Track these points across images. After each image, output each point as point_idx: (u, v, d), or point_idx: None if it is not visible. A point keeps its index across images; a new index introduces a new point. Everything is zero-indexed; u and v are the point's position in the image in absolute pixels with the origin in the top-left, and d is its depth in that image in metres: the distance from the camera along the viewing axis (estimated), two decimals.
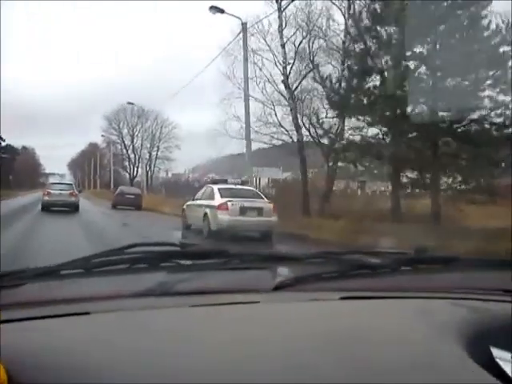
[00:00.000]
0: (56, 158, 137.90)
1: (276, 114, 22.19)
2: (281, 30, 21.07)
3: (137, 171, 68.97)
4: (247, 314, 1.00)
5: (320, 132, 20.13)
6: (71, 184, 27.33)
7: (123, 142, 69.44)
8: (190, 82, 38.24)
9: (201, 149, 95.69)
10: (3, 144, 74.19)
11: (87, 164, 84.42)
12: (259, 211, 14.30)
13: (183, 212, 17.71)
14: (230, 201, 14.20)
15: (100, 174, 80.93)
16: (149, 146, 65.53)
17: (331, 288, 1.18)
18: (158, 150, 65.56)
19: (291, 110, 21.39)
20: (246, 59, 20.34)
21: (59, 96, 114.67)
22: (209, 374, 0.70)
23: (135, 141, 68.65)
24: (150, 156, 66.65)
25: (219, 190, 15.28)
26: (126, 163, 70.99)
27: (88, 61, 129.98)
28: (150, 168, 67.26)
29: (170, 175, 70.84)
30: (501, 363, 0.78)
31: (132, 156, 69.35)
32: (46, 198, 22.85)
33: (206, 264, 1.22)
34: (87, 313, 0.93)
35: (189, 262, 1.24)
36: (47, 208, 22.11)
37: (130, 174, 69.95)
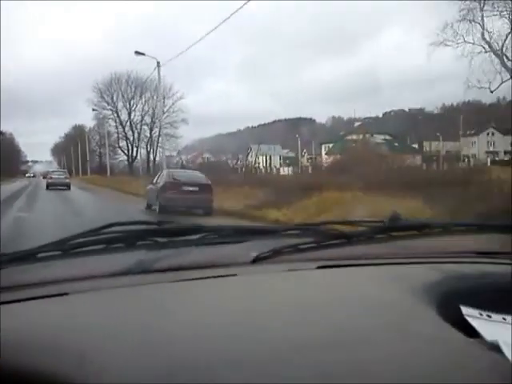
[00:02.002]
0: (36, 145, 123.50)
1: None
2: None
3: (137, 152, 54.21)
4: (226, 287, 0.99)
5: None
6: (65, 171, 41.49)
7: (118, 117, 54.36)
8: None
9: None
10: None
11: (73, 148, 69.14)
12: None
13: None
14: None
15: (90, 158, 65.40)
16: (150, 121, 50.80)
17: (308, 258, 1.16)
18: (160, 126, 50.47)
19: None
20: None
21: (36, 76, 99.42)
22: (192, 347, 0.68)
23: (133, 116, 53.75)
24: (151, 133, 52.11)
25: None
26: (124, 143, 55.63)
27: (66, 31, 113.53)
28: (151, 148, 52.52)
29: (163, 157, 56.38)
30: (469, 320, 0.78)
31: (130, 134, 54.20)
32: (50, 180, 33.50)
33: (183, 241, 1.17)
34: (65, 293, 0.90)
35: (166, 240, 1.15)
36: (49, 187, 31.34)
37: (128, 155, 54.91)
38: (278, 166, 63.76)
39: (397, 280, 0.96)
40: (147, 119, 52.99)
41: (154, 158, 53.61)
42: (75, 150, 69.43)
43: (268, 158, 67.83)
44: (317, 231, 1.30)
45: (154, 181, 15.93)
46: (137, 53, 27.61)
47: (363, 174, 16.57)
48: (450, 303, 0.82)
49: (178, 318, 0.79)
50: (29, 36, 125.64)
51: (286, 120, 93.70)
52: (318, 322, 0.77)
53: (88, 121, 78.82)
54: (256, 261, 1.13)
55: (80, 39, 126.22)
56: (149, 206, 15.66)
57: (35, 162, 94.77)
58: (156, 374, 0.60)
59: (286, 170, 56.63)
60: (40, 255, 1.05)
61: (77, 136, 69.30)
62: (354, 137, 53.40)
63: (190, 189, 14.33)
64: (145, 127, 53.02)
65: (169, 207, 13.47)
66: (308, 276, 1.06)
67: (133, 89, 53.39)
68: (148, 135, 52.75)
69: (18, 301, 0.86)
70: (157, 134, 51.97)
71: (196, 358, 0.64)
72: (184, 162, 68.80)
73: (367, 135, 51.11)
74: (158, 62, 27.44)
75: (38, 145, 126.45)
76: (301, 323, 0.76)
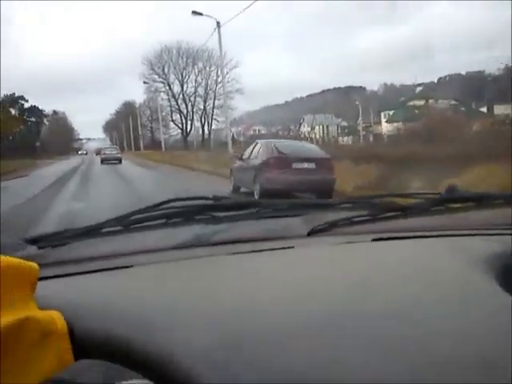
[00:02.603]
0: (89, 122, 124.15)
1: None
2: None
3: (191, 125, 51.32)
4: (283, 259, 0.99)
5: None
6: (116, 147, 45.10)
7: (171, 89, 51.50)
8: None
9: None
10: (27, 105, 56.90)
11: (125, 124, 67.50)
12: None
13: None
14: None
15: (142, 134, 63.31)
16: (203, 92, 47.71)
17: (363, 231, 1.15)
18: (214, 98, 47.34)
19: None
20: None
21: (85, 56, 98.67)
22: (251, 317, 0.67)
23: (185, 87, 50.76)
24: (204, 105, 49.07)
25: None
26: (177, 116, 52.83)
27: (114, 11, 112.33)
28: (206, 121, 49.59)
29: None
30: None
31: (183, 107, 51.26)
32: (103, 156, 37.00)
33: (239, 215, 1.17)
34: (131, 266, 0.93)
35: (223, 214, 1.16)
36: (103, 161, 34.81)
37: (182, 129, 52.11)
38: (335, 135, 60.04)
39: (456, 252, 0.92)
40: (200, 91, 49.88)
41: (209, 131, 50.78)
42: (127, 126, 67.80)
43: (325, 127, 63.96)
44: (372, 204, 1.26)
45: (245, 156, 11.39)
46: (194, 13, 24.38)
47: (460, 141, 13.42)
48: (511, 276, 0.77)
49: (238, 289, 0.79)
50: (77, 18, 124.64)
51: (335, 89, 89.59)
52: (376, 294, 0.74)
53: (139, 96, 76.85)
54: (311, 233, 1.13)
55: (128, 16, 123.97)
56: (236, 189, 11.47)
57: (89, 139, 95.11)
58: (217, 343, 0.61)
59: (344, 140, 53.05)
60: (103, 230, 1.08)
61: (128, 112, 67.58)
62: (417, 102, 49.23)
63: (305, 166, 9.60)
64: (198, 99, 49.94)
65: (274, 191, 8.86)
66: (363, 248, 1.04)
67: (184, 59, 50.46)
68: (202, 107, 49.66)
69: (87, 272, 0.89)
70: (211, 105, 48.81)
71: (257, 328, 0.64)
72: (235, 135, 66.36)
73: (431, 100, 46.58)
74: (218, 22, 24.15)
75: (90, 123, 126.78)
76: (358, 295, 0.74)
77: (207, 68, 47.67)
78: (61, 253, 1.02)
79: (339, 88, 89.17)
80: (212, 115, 49.97)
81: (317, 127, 64.51)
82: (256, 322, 0.65)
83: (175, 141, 56.90)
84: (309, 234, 1.13)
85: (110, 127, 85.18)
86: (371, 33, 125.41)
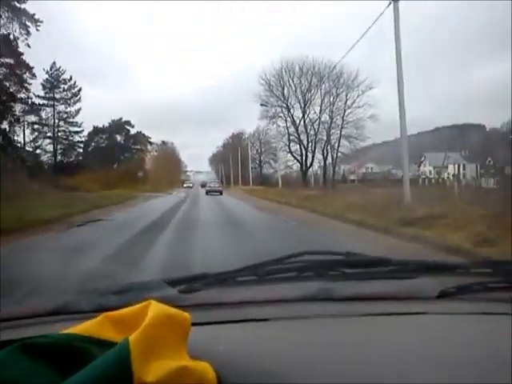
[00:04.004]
0: (197, 156, 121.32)
1: None
2: None
3: (312, 159, 42.31)
4: (414, 325, 0.94)
5: None
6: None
7: (290, 114, 43.01)
8: None
9: None
10: (133, 131, 51.71)
11: (232, 157, 60.63)
12: None
13: None
14: None
15: (253, 167, 55.70)
16: (328, 118, 38.87)
17: (498, 299, 1.05)
18: (342, 125, 38.19)
19: None
20: None
21: (198, 93, 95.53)
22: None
23: (308, 113, 42.10)
24: (328, 134, 40.09)
25: None
26: (296, 146, 43.96)
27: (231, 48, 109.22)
28: (329, 153, 40.53)
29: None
30: None
31: (303, 136, 42.26)
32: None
33: (370, 272, 1.17)
34: (267, 319, 0.94)
35: (353, 271, 1.17)
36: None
37: (301, 162, 43.14)
38: (475, 176, 48.55)
39: None
40: (323, 117, 41.09)
41: (334, 166, 41.67)
42: (234, 159, 61.04)
43: (461, 167, 52.55)
44: (509, 271, 1.16)
45: None
46: None
47: None
48: None
49: (365, 352, 0.76)
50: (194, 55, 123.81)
51: (450, 127, 77.71)
52: None
53: (249, 126, 70.16)
54: (441, 296, 1.07)
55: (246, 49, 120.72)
56: None
57: (196, 172, 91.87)
58: None
59: (487, 183, 41.71)
60: (238, 279, 1.09)
61: (236, 144, 60.90)
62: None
63: None
64: (321, 127, 41.11)
65: None
66: (505, 323, 0.91)
67: (308, 78, 41.78)
68: (325, 137, 40.79)
69: (228, 322, 0.91)
70: (335, 135, 39.67)
71: None
72: (345, 173, 57.25)
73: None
74: None
75: (198, 155, 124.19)
76: (498, 378, 0.66)
77: (334, 90, 38.83)
78: (199, 297, 1.02)
79: (455, 125, 77.83)
80: (338, 146, 40.68)
81: (450, 166, 53.22)
82: None
83: (276, 178, 48.71)
84: (439, 297, 1.06)
85: (216, 160, 79.79)
86: (493, 65, 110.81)
